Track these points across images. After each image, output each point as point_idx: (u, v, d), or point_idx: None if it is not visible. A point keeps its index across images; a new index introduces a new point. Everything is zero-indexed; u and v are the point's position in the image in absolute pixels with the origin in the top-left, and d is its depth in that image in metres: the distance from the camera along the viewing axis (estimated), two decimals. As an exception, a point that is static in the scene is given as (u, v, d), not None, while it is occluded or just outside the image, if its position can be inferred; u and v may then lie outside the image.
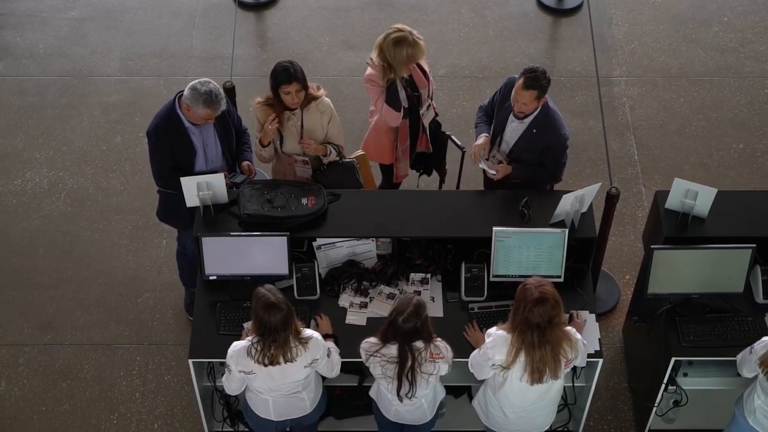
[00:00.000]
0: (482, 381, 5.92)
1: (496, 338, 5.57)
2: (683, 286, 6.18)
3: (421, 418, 5.97)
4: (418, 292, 6.32)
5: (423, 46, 6.82)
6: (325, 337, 5.83)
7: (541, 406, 5.82)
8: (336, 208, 6.44)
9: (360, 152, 7.16)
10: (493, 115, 6.74)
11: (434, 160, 7.52)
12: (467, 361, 5.85)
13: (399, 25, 6.82)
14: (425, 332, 5.54)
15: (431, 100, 7.18)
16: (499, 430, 6.01)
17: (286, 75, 6.52)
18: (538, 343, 5.41)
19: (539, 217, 6.36)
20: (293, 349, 5.51)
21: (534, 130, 6.50)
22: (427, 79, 7.07)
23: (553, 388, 5.75)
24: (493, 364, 5.59)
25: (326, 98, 6.78)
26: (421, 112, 7.10)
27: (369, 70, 6.97)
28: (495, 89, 6.77)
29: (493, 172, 6.63)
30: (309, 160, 6.84)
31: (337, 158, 6.88)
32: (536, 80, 6.28)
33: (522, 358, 5.49)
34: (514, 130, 6.58)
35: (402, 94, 6.97)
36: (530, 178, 6.66)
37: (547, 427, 6.06)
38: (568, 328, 5.61)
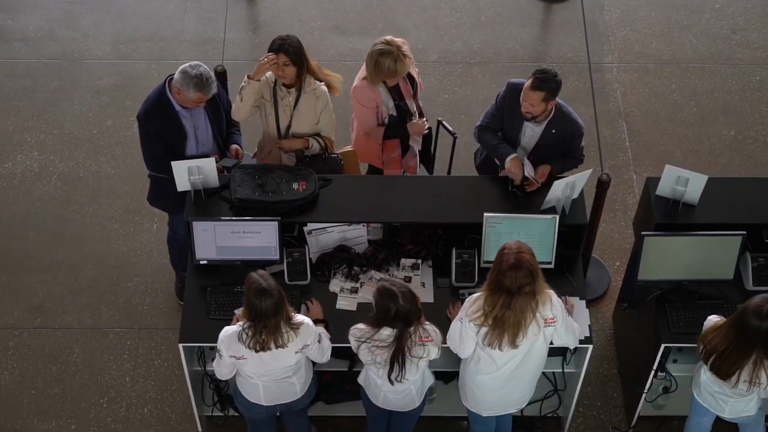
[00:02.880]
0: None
1: (471, 298, 5.57)
2: (673, 272, 6.20)
3: (409, 404, 5.97)
4: (409, 278, 6.33)
5: (408, 62, 6.75)
6: (316, 322, 5.84)
7: (519, 375, 5.74)
8: (327, 194, 6.43)
9: (349, 148, 7.11)
10: (500, 125, 6.64)
11: (421, 158, 7.45)
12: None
13: (389, 38, 6.70)
14: (417, 312, 5.55)
15: (418, 117, 7.01)
16: (477, 409, 5.99)
17: (275, 44, 6.50)
18: (501, 306, 5.37)
19: (530, 203, 6.37)
20: (284, 334, 5.51)
21: (553, 131, 6.49)
22: (415, 93, 6.96)
23: (531, 357, 5.66)
24: (474, 325, 5.53)
25: (324, 87, 6.74)
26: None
27: (356, 81, 6.86)
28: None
29: (539, 182, 6.51)
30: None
31: (322, 152, 6.84)
32: (544, 82, 6.23)
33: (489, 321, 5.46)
34: (532, 134, 6.55)
35: (390, 104, 6.90)
36: (565, 168, 6.66)
37: (523, 405, 6.06)
38: (550, 291, 5.55)
